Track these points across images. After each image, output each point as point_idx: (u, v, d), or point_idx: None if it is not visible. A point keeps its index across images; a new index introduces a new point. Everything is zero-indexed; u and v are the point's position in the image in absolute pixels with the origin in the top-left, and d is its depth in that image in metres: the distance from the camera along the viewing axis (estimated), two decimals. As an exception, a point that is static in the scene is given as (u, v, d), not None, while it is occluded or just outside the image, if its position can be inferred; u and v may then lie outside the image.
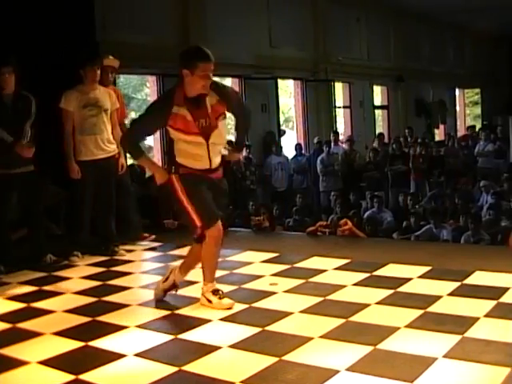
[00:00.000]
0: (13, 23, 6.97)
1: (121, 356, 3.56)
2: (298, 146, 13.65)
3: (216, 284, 4.42)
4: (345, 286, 4.64)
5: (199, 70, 4.07)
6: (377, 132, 16.77)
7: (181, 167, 4.26)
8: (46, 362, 3.54)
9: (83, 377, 3.31)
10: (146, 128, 4.47)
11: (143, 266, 5.73)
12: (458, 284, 4.49)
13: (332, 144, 13.20)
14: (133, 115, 15.17)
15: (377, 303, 4.21)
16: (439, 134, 20.40)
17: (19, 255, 5.95)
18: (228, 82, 13.48)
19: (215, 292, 4.35)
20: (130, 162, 8.66)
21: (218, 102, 4.25)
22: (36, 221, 6.04)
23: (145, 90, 13.75)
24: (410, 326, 3.73)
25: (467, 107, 24.28)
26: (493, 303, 4.03)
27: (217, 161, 4.35)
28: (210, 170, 4.31)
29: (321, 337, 3.64)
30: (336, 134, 13.95)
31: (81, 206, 6.17)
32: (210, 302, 4.32)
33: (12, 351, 3.75)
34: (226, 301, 4.33)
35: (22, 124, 5.74)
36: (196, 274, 5.14)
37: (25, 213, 6.05)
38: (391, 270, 5.01)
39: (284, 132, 14.50)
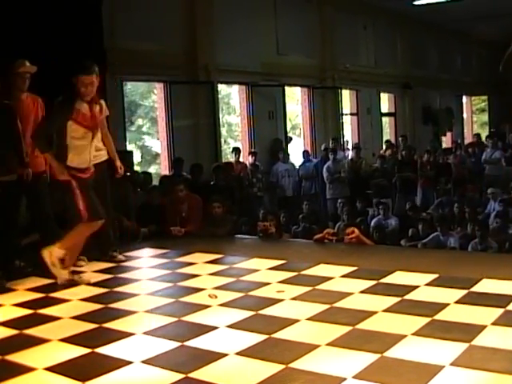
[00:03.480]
0: (20, 32, 7.00)
1: (127, 363, 3.56)
2: (305, 153, 13.65)
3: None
4: (352, 294, 4.63)
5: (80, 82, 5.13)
6: (384, 139, 16.78)
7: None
8: (53, 369, 3.54)
9: (90, 383, 3.32)
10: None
11: (150, 273, 5.72)
12: (465, 292, 4.47)
13: (337, 150, 13.16)
14: (139, 122, 15.21)
15: (384, 311, 4.19)
16: (446, 142, 20.38)
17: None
18: (235, 89, 13.54)
19: (62, 261, 5.15)
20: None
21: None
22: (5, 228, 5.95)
23: (152, 96, 13.76)
24: (417, 333, 3.72)
25: (474, 114, 24.25)
26: (500, 311, 4.01)
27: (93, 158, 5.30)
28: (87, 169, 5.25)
29: (328, 344, 3.63)
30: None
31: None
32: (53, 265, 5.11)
33: (19, 357, 3.75)
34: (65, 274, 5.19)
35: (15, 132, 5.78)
36: (200, 281, 5.15)
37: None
38: (398, 278, 4.99)
39: (291, 139, 14.50)
